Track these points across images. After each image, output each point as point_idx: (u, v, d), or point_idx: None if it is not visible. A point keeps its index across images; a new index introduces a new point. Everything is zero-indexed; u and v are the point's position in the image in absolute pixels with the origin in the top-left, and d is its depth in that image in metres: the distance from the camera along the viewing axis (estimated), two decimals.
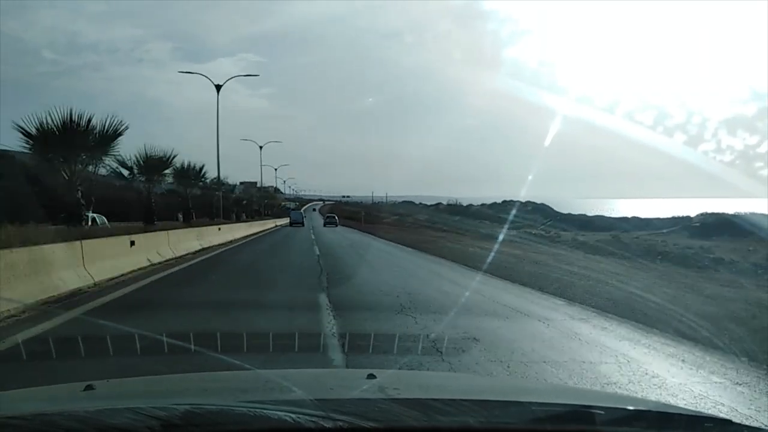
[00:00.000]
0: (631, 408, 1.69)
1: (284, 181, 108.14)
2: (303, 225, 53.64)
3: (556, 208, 68.65)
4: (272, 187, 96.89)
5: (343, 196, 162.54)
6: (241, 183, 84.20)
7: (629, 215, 57.26)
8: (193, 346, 4.52)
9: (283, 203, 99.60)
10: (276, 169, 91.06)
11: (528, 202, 70.97)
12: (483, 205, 74.20)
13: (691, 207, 50.98)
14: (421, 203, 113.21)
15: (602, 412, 1.50)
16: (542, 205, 68.76)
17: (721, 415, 3.27)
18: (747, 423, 3.67)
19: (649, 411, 1.69)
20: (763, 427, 2.98)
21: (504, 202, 70.74)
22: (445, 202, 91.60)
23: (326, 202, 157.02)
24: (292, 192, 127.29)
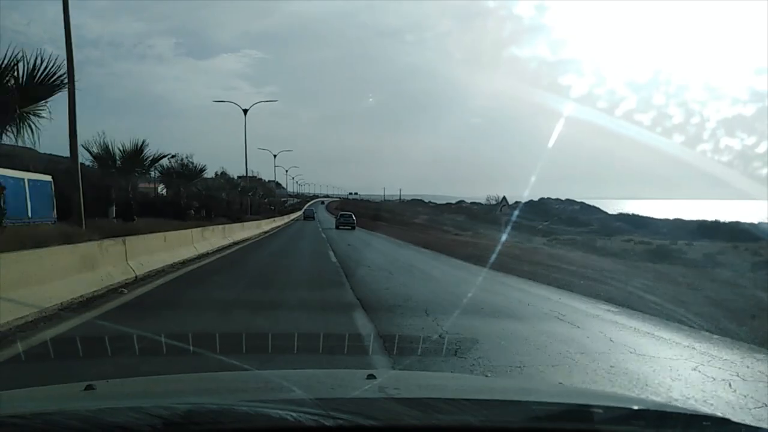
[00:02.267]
0: (629, 407, 1.68)
1: (292, 177, 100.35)
2: (314, 219, 61.03)
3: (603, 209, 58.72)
4: (273, 181, 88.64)
5: (350, 193, 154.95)
6: (240, 177, 75.13)
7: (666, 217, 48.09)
8: None
9: (283, 199, 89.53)
10: (287, 171, 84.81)
11: (568, 200, 61.85)
12: (517, 203, 63.41)
13: (694, 209, 44.67)
14: (430, 202, 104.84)
15: (601, 411, 1.49)
16: (588, 205, 58.77)
17: (719, 414, 2.81)
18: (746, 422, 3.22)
19: (648, 410, 1.67)
20: (762, 426, 2.50)
21: (541, 200, 61.10)
22: (482, 200, 73.72)
23: (341, 198, 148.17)
24: (296, 187, 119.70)
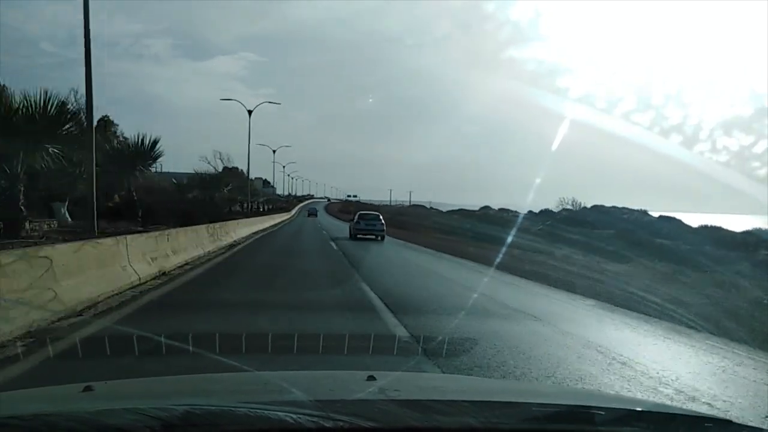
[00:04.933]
0: (631, 408, 1.67)
1: (288, 174, 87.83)
2: (317, 216, 60.16)
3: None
4: (261, 179, 76.09)
5: (349, 196, 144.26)
6: (225, 168, 64.38)
7: None
8: None
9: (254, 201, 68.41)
10: (284, 167, 74.00)
11: (621, 207, 48.64)
12: (567, 210, 48.74)
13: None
14: (432, 207, 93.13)
15: (602, 413, 1.47)
16: (666, 216, 44.67)
17: (721, 416, 3.00)
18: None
19: (649, 411, 1.66)
20: (763, 427, 2.54)
21: (596, 207, 47.28)
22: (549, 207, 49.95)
23: (341, 200, 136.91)
24: (292, 183, 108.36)
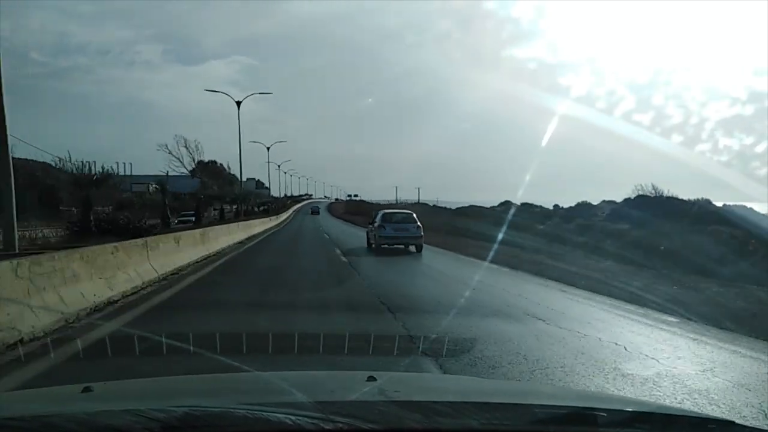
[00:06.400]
0: (633, 410, 1.64)
1: (277, 166, 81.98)
2: (319, 213, 59.90)
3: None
4: (254, 179, 69.73)
5: (350, 195, 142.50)
6: (200, 163, 54.82)
7: None
8: None
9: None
10: (279, 166, 68.95)
11: (668, 196, 41.85)
12: (610, 203, 40.55)
13: None
14: (434, 205, 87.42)
15: (604, 414, 1.45)
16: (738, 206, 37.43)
17: (724, 417, 2.85)
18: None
19: (652, 413, 1.64)
20: (765, 428, 2.51)
21: (641, 198, 40.18)
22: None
23: (354, 198, 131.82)
24: (288, 180, 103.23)
